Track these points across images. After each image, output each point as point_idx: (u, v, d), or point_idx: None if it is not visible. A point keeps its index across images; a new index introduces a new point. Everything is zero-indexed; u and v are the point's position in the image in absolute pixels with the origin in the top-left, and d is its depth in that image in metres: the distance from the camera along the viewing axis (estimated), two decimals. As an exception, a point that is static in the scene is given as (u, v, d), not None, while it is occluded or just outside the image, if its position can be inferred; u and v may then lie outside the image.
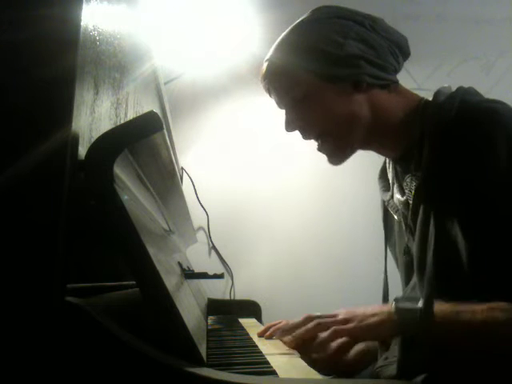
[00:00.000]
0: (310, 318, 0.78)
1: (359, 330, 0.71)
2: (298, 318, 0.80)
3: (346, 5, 0.86)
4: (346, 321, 0.73)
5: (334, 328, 0.72)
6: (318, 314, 0.78)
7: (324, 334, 0.73)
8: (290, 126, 0.89)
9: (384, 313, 0.71)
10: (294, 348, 0.77)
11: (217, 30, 1.93)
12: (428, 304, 0.65)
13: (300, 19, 0.87)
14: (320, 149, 0.89)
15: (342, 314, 0.75)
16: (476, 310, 0.64)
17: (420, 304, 0.68)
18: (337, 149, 0.87)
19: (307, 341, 0.74)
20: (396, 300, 0.70)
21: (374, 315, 0.71)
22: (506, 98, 0.74)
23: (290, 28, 0.87)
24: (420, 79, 1.99)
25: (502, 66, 2.17)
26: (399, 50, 0.84)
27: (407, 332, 0.67)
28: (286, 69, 0.86)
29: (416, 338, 0.66)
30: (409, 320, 0.67)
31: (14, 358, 0.42)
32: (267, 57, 0.89)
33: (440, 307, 0.66)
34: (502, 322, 0.61)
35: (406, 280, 0.91)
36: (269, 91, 0.91)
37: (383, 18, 0.87)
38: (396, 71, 0.85)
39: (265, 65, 0.89)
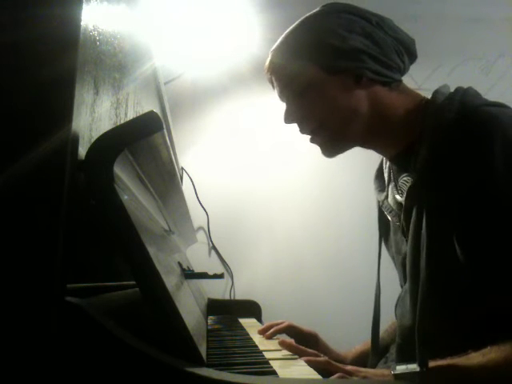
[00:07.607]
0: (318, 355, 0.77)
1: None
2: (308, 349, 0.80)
3: (348, 5, 0.86)
4: (350, 373, 0.72)
5: (340, 373, 0.71)
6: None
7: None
8: (289, 117, 0.89)
9: (386, 376, 0.71)
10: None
11: (217, 30, 1.93)
12: (422, 363, 0.65)
13: (309, 13, 0.87)
14: (313, 140, 0.88)
15: (348, 367, 0.75)
16: (472, 356, 0.63)
17: (417, 367, 0.67)
18: (332, 141, 0.86)
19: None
20: (393, 368, 0.70)
21: (376, 376, 0.72)
22: (506, 98, 0.74)
23: (297, 22, 0.87)
24: (420, 79, 1.99)
25: (502, 66, 2.16)
26: (405, 49, 0.84)
27: None
28: (290, 60, 0.86)
29: None
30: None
31: (14, 359, 0.41)
32: (273, 48, 0.89)
33: (435, 363, 0.65)
34: (500, 362, 0.60)
35: (404, 280, 0.91)
36: (272, 82, 0.91)
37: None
38: (400, 70, 0.84)
39: (270, 55, 0.89)
